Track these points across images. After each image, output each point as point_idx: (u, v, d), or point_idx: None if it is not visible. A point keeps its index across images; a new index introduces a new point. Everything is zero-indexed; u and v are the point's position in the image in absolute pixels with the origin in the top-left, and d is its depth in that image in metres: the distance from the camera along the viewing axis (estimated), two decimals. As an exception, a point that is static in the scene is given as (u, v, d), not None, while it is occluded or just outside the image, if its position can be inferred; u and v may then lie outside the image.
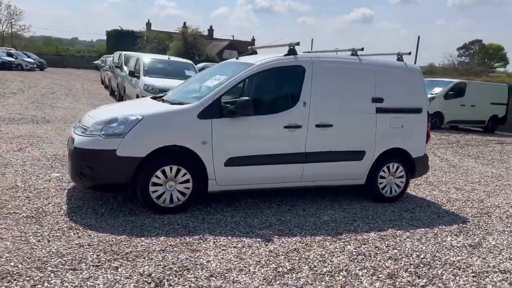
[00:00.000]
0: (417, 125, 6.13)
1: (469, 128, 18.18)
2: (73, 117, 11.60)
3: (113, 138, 4.68)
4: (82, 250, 3.82)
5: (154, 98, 6.24)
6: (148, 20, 60.91)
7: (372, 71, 5.84)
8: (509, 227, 5.44)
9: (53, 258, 3.62)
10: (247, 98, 4.93)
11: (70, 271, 3.44)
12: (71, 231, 4.25)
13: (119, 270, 3.53)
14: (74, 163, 4.80)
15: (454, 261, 4.21)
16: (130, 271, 3.53)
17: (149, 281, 3.39)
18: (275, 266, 3.79)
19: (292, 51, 5.49)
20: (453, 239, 4.82)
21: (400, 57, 6.23)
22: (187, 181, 4.91)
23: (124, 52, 18.73)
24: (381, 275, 3.77)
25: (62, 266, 3.50)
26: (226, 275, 3.58)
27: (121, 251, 3.87)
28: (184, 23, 60.41)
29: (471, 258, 4.34)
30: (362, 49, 5.91)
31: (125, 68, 17.16)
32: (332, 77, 5.56)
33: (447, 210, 5.99)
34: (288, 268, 3.78)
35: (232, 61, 6.02)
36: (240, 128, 5.09)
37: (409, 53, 6.16)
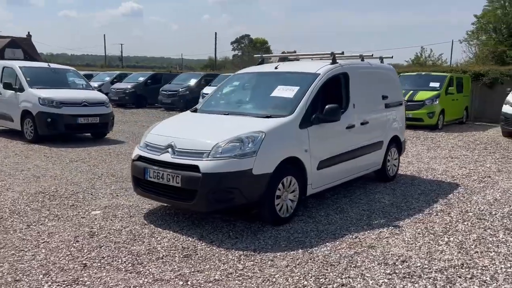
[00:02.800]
0: (401, 115, 7.51)
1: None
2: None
3: (247, 158, 4.60)
4: (289, 273, 3.85)
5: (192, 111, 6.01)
6: None
7: (378, 73, 6.95)
8: (480, 183, 7.28)
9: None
10: (335, 105, 5.40)
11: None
12: (245, 257, 4.17)
13: (359, 279, 3.78)
14: (209, 190, 4.49)
15: (513, 212, 5.69)
16: (369, 277, 3.81)
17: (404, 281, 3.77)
18: (443, 243, 4.55)
19: (335, 60, 6.11)
20: (479, 197, 6.32)
21: (382, 60, 7.47)
22: (295, 189, 5.13)
23: None
24: (503, 231, 4.92)
25: None
26: (435, 257, 4.17)
27: (320, 263, 4.04)
28: None
29: (513, 207, 5.90)
30: (372, 55, 6.93)
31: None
32: (363, 81, 6.41)
33: (433, 179, 7.51)
34: (456, 242, 4.59)
35: (279, 72, 6.14)
36: (324, 133, 5.51)
37: (391, 57, 7.47)
